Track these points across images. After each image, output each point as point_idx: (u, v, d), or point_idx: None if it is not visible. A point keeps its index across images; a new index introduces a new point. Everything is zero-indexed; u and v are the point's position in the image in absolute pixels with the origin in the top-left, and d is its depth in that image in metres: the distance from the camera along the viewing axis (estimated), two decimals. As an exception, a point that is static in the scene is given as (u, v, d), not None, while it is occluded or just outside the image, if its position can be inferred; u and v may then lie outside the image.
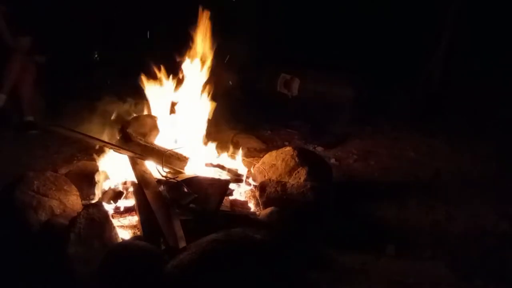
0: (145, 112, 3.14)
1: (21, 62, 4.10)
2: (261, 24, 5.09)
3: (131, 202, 2.51)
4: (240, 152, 3.16)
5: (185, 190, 2.36)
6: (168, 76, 3.04)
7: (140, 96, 3.15)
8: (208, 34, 3.03)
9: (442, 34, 4.99)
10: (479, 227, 2.67)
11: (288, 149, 2.88)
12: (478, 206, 2.93)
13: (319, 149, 4.05)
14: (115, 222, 2.32)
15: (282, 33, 5.30)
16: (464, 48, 4.84)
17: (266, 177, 2.80)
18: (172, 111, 3.05)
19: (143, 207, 2.29)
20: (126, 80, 3.47)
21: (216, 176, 2.61)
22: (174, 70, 3.07)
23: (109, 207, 2.39)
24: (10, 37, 4.04)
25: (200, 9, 3.01)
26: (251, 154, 3.72)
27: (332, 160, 3.79)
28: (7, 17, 4.02)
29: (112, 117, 3.15)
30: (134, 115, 3.09)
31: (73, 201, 2.39)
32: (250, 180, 2.94)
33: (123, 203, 2.50)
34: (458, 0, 4.86)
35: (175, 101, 3.02)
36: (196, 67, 3.04)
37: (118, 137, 2.72)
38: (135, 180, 2.47)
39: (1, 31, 4.00)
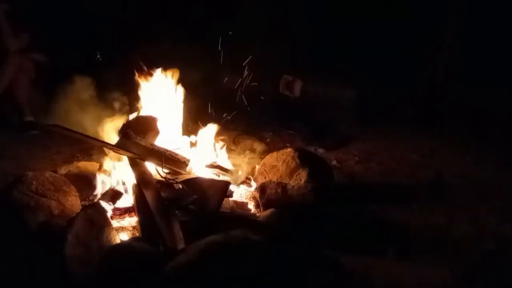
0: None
1: (17, 61, 4.07)
2: (264, 26, 5.08)
3: (130, 202, 2.50)
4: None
5: (185, 191, 2.35)
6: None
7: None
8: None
9: (444, 36, 4.97)
10: (480, 230, 2.65)
11: (289, 150, 2.86)
12: (479, 208, 2.91)
13: (320, 150, 4.03)
14: (114, 223, 2.31)
15: (285, 35, 5.28)
16: (466, 51, 4.82)
17: (266, 179, 2.79)
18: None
19: (142, 208, 2.27)
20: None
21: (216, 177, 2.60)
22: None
23: (108, 208, 2.37)
24: (10, 37, 4.02)
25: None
26: (252, 156, 3.70)
27: (333, 162, 3.77)
28: (9, 15, 4.01)
29: (112, 118, 3.13)
30: (134, 115, 3.07)
31: (72, 201, 2.37)
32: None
33: (122, 204, 2.49)
34: (460, 2, 4.85)
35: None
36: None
37: (118, 138, 2.70)
38: (135, 181, 2.46)
39: (2, 30, 3.98)
